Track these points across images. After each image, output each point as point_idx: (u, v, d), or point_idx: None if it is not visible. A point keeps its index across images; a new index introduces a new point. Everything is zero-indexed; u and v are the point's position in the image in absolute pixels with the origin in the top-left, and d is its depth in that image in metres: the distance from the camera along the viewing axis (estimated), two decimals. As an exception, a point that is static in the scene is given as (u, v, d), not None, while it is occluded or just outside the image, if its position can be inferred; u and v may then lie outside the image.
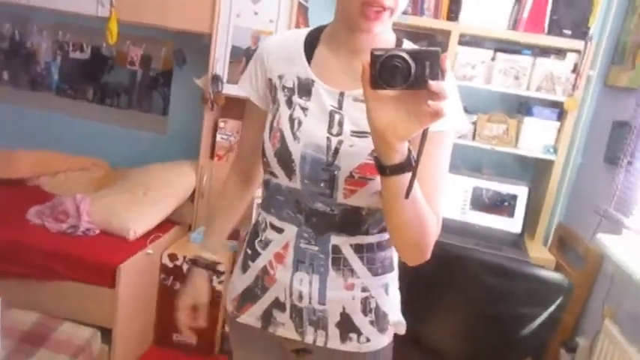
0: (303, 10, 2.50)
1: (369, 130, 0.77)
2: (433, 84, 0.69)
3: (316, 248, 1.01)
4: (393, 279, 1.08)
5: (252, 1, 2.42)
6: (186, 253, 2.39)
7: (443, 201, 0.92)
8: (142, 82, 3.09)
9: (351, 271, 1.02)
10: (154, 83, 3.07)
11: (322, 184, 0.97)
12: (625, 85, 2.24)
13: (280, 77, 1.02)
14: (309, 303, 1.02)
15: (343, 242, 1.00)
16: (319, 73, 1.00)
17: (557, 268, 2.30)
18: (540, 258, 2.31)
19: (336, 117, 0.96)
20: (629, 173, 2.08)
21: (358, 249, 1.01)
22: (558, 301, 1.87)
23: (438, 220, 0.90)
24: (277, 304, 1.05)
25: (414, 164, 0.77)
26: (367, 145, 0.91)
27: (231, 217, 1.24)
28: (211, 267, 1.20)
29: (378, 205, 0.95)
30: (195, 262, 1.20)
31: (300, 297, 1.02)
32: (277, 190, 1.03)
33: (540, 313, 1.89)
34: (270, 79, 1.04)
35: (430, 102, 0.69)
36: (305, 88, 1.00)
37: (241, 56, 2.49)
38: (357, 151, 0.94)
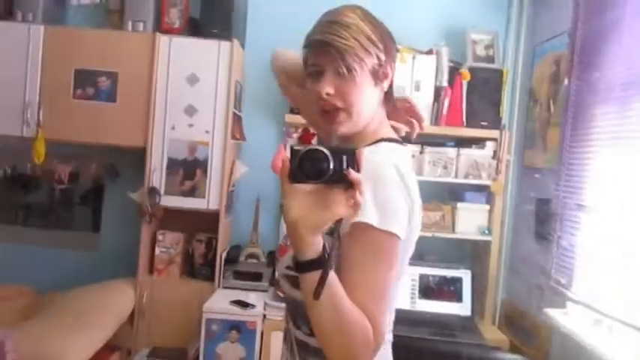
0: (237, 120, 2.57)
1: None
2: (352, 173, 0.71)
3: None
4: None
5: (187, 114, 2.46)
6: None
7: (382, 308, 0.83)
8: (69, 200, 2.96)
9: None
10: (83, 200, 2.95)
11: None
12: (542, 166, 2.45)
13: None
14: None
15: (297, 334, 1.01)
16: None
17: (511, 347, 2.33)
18: (494, 339, 2.34)
19: None
20: (561, 247, 2.21)
21: (303, 346, 0.99)
22: (521, 384, 1.87)
23: (375, 329, 0.79)
24: None
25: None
26: None
27: None
28: None
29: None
30: None
31: None
32: None
33: (506, 398, 1.88)
34: None
35: (349, 192, 0.71)
36: None
37: (179, 168, 2.48)
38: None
